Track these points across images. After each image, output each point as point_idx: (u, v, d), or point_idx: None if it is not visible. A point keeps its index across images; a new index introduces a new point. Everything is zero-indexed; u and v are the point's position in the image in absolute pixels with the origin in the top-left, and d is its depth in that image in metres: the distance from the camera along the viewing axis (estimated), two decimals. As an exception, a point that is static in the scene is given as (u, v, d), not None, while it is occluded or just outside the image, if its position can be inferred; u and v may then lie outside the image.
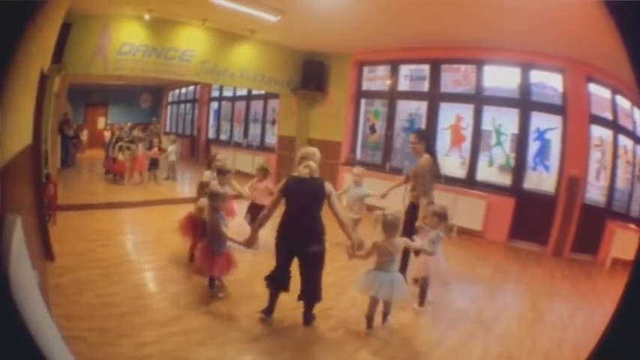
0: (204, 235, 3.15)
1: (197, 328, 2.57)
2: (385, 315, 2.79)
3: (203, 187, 3.63)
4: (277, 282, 2.65)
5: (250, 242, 2.68)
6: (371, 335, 2.66)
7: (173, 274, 3.40)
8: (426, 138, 3.68)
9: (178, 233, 3.62)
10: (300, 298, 2.66)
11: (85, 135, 11.38)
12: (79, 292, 2.89)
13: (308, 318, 2.68)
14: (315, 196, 2.51)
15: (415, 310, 3.06)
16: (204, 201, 3.48)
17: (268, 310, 2.68)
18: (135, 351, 2.26)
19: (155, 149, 8.00)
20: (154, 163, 7.77)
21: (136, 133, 9.31)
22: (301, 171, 2.55)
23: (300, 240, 2.53)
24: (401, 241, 2.77)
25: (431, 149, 3.64)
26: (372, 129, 7.26)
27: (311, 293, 2.61)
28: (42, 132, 3.37)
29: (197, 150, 11.89)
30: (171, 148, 7.99)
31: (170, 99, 14.72)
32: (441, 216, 3.04)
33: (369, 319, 2.70)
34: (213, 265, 2.93)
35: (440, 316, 3.06)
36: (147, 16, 5.47)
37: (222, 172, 3.61)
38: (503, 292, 3.79)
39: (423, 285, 3.08)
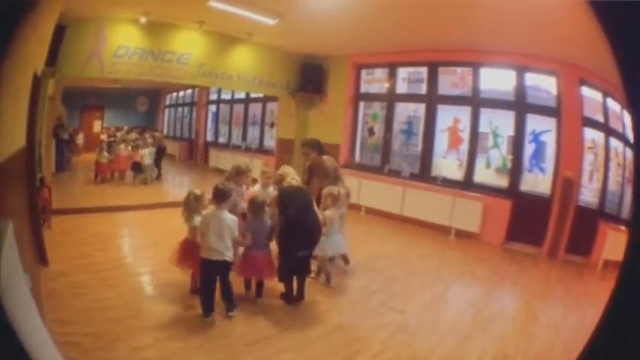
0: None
1: (194, 333, 2.55)
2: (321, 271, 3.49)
3: (198, 202, 3.04)
4: (292, 270, 3.02)
5: None
6: (369, 336, 2.67)
7: (169, 278, 3.37)
8: (314, 144, 4.05)
9: (173, 263, 3.05)
10: (287, 277, 3.05)
11: (80, 138, 11.31)
12: (74, 296, 2.87)
13: (303, 293, 3.10)
14: (310, 199, 3.15)
15: (345, 268, 3.83)
16: (198, 221, 2.92)
17: (290, 297, 3.05)
18: (131, 356, 2.25)
19: (129, 150, 7.76)
20: (136, 167, 7.59)
21: (133, 135, 9.25)
22: (290, 182, 3.16)
23: (312, 232, 3.00)
24: (341, 212, 3.65)
25: (324, 151, 4.08)
26: (371, 131, 7.27)
27: (308, 270, 3.14)
28: (36, 135, 3.34)
29: (195, 153, 11.87)
30: (145, 151, 7.56)
31: (167, 102, 14.70)
32: (347, 196, 3.92)
33: (328, 277, 3.47)
34: (264, 269, 2.99)
35: (438, 318, 3.06)
36: (143, 19, 5.47)
37: (222, 196, 2.78)
38: (500, 294, 3.80)
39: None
